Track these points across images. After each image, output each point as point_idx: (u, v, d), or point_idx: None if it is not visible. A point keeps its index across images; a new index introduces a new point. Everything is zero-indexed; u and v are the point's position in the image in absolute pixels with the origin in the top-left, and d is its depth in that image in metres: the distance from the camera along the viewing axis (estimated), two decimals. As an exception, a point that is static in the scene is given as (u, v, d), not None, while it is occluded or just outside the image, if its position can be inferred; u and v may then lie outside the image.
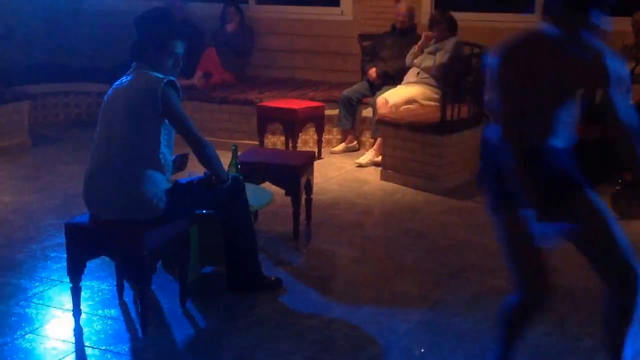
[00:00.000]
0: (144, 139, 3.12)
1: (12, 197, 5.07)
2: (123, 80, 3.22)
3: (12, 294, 3.53)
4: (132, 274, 3.24)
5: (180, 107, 3.18)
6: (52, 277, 3.72)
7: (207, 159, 3.27)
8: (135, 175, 3.09)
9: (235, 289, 3.55)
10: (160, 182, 3.14)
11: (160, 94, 3.08)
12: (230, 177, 3.42)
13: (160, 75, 3.14)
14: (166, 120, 3.15)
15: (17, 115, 6.29)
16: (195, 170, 3.60)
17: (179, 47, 3.24)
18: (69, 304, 3.29)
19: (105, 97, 3.24)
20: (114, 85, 3.25)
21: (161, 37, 3.19)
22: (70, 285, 3.21)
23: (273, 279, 3.66)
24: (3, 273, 3.78)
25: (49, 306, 3.41)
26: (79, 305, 3.24)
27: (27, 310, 3.36)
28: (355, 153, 6.33)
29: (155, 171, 3.13)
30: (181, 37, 3.26)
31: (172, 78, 3.17)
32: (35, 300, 3.47)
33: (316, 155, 5.87)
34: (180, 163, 3.51)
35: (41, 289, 3.59)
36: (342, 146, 6.44)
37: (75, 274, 3.19)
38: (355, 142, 6.46)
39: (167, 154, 3.21)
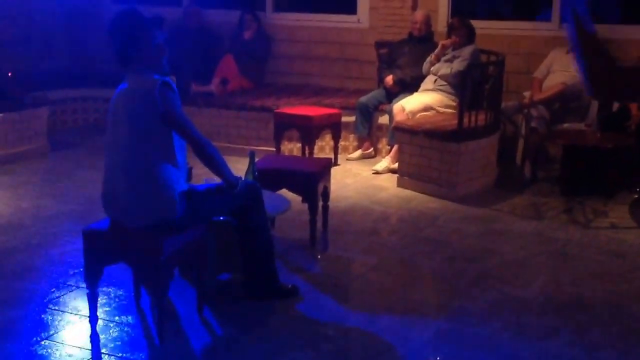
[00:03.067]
0: (149, 141, 3.08)
1: (30, 201, 5.10)
2: (121, 87, 3.19)
3: (29, 300, 3.53)
4: (150, 280, 3.23)
5: (179, 108, 3.13)
6: (69, 283, 3.73)
7: (208, 158, 3.20)
8: (145, 177, 3.08)
9: (251, 296, 3.54)
10: (174, 182, 3.12)
11: (158, 95, 3.03)
12: (241, 180, 3.41)
13: (156, 76, 3.10)
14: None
15: (36, 121, 6.34)
16: (212, 177, 3.59)
17: (156, 37, 3.15)
18: (85, 310, 3.30)
19: (110, 104, 3.24)
20: (116, 91, 3.23)
21: (133, 35, 3.11)
22: (87, 291, 3.21)
23: (290, 286, 3.64)
24: (20, 278, 3.79)
25: (65, 312, 3.42)
26: (96, 311, 3.24)
27: (43, 316, 3.37)
28: (371, 160, 6.31)
29: (167, 172, 3.10)
30: (152, 26, 3.14)
31: (166, 79, 3.10)
32: (51, 305, 3.47)
33: (333, 162, 5.85)
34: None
35: (58, 295, 3.59)
36: (358, 153, 6.43)
37: (93, 280, 3.19)
38: (372, 149, 6.44)
39: (179, 154, 3.17)
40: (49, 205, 5.01)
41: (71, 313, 3.41)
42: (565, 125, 5.67)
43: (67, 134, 7.14)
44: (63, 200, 5.12)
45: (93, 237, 3.20)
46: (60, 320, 3.34)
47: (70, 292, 3.62)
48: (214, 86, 6.87)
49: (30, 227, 4.57)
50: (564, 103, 5.67)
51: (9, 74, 6.35)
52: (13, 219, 4.73)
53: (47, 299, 3.55)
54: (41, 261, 4.02)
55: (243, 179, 3.57)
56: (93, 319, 3.23)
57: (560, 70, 5.90)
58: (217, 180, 3.41)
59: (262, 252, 3.49)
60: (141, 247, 3.12)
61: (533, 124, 5.65)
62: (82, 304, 3.42)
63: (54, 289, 3.66)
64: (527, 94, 6.01)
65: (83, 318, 3.32)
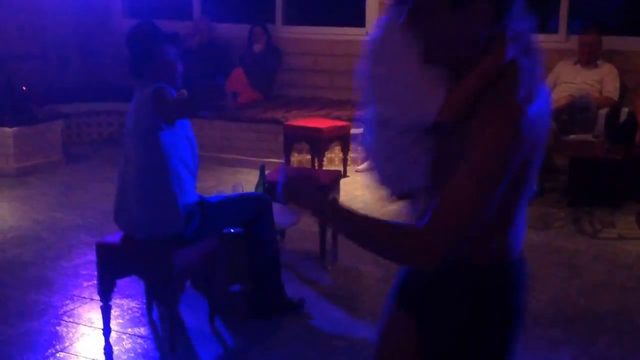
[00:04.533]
0: (149, 152, 3.10)
1: (45, 214, 5.18)
2: (132, 101, 3.24)
3: (43, 312, 3.60)
4: (161, 293, 3.28)
5: (171, 96, 3.09)
6: (83, 295, 3.79)
7: (192, 106, 3.10)
8: (152, 191, 3.12)
9: (257, 310, 3.53)
10: (181, 195, 3.14)
11: (153, 95, 3.04)
12: (258, 194, 3.46)
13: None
14: (170, 131, 3.10)
15: (50, 134, 6.44)
16: (222, 188, 3.64)
17: (170, 53, 3.18)
18: (99, 322, 3.35)
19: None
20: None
21: (146, 48, 3.14)
22: (101, 303, 3.27)
23: (295, 300, 3.65)
24: (34, 290, 3.85)
25: (79, 324, 3.47)
26: (109, 323, 3.30)
27: (57, 328, 3.43)
28: (380, 172, 6.34)
29: (173, 184, 3.11)
30: (166, 41, 3.18)
31: (163, 85, 3.09)
32: (65, 318, 3.54)
33: (342, 173, 5.90)
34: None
35: (72, 307, 3.65)
36: (366, 165, 6.46)
37: (106, 292, 3.25)
38: (381, 161, 6.48)
39: (188, 163, 3.19)
40: (64, 218, 5.08)
41: (85, 325, 3.46)
42: (573, 136, 5.70)
43: (81, 146, 7.23)
44: (78, 213, 5.20)
45: (106, 250, 3.26)
46: (75, 332, 3.40)
47: (84, 304, 3.68)
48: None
49: (45, 240, 4.64)
50: (571, 115, 5.70)
51: (24, 88, 6.46)
52: (28, 232, 4.81)
53: (62, 311, 3.61)
54: (56, 274, 4.08)
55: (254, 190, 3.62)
56: (106, 331, 3.29)
57: (567, 82, 5.93)
58: (227, 192, 3.46)
59: (269, 265, 3.51)
60: (152, 260, 3.18)
61: (540, 135, 5.68)
62: (95, 316, 3.48)
63: (69, 301, 3.72)
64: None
65: (97, 330, 3.38)
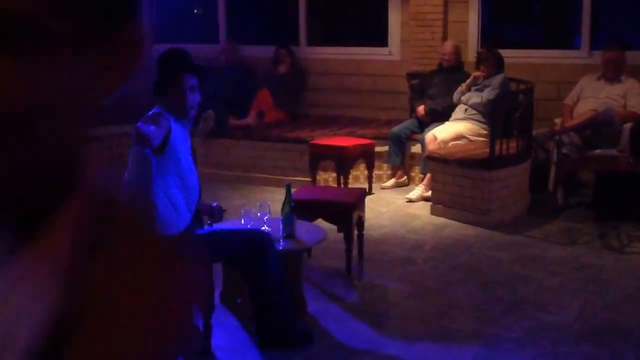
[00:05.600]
0: (135, 177, 3.12)
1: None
2: None
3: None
4: None
5: (152, 132, 3.08)
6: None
7: None
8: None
9: (265, 343, 3.44)
10: (164, 224, 3.08)
11: (143, 122, 3.09)
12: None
13: (157, 110, 3.17)
14: (158, 160, 3.11)
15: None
16: (250, 207, 3.69)
17: (187, 82, 3.22)
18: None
19: None
20: None
21: (167, 71, 3.21)
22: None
23: (304, 331, 3.53)
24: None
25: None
26: None
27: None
28: (405, 188, 6.40)
29: (158, 213, 3.08)
30: (189, 71, 3.23)
31: (158, 110, 3.14)
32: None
33: (367, 191, 5.96)
34: (212, 212, 3.52)
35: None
36: (392, 182, 6.53)
37: None
38: (405, 178, 6.54)
39: (176, 197, 3.17)
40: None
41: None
42: (598, 151, 5.70)
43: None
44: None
45: None
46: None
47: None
48: (250, 119, 7.06)
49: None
50: (595, 129, 5.71)
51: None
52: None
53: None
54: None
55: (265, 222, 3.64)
56: None
57: (591, 97, 5.94)
58: (236, 219, 3.43)
59: (272, 300, 3.37)
60: None
61: (565, 151, 5.70)
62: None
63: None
64: (558, 121, 6.07)
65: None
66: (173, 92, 3.21)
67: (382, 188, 6.48)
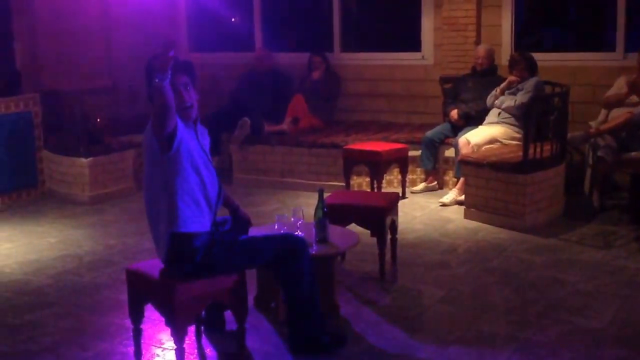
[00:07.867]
0: (160, 175, 3.16)
1: (117, 239, 5.43)
2: None
3: (116, 334, 3.77)
4: (168, 322, 3.25)
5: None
6: (153, 317, 3.95)
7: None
8: (160, 216, 3.19)
9: (296, 350, 3.47)
10: (186, 222, 3.15)
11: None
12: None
13: None
14: (173, 159, 3.13)
15: (122, 163, 6.78)
16: (284, 212, 3.73)
17: (181, 80, 3.22)
18: (169, 342, 3.50)
19: None
20: None
21: (148, 75, 3.17)
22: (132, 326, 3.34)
23: (336, 339, 3.52)
24: (107, 313, 4.05)
25: (150, 344, 3.62)
26: (140, 346, 3.40)
27: (129, 349, 3.54)
28: (438, 192, 6.41)
29: (180, 210, 3.14)
30: (176, 70, 3.13)
31: None
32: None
33: (400, 195, 5.99)
34: (237, 220, 3.59)
35: (143, 328, 3.81)
36: (422, 186, 6.55)
37: (134, 317, 3.38)
38: (435, 183, 6.56)
39: (198, 193, 3.19)
40: (135, 243, 5.31)
41: (156, 346, 3.61)
42: (633, 153, 5.64)
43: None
44: (148, 238, 5.36)
45: (133, 276, 3.40)
46: (146, 352, 3.53)
47: (154, 325, 3.83)
48: (286, 125, 7.14)
49: (118, 264, 4.86)
50: (631, 131, 5.65)
51: (98, 120, 6.83)
52: (103, 256, 5.06)
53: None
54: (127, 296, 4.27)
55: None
56: (137, 354, 3.39)
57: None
58: (269, 224, 3.46)
59: (306, 304, 3.41)
60: (157, 288, 3.25)
61: (600, 153, 5.65)
62: (165, 337, 3.64)
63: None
64: (593, 123, 6.02)
65: (167, 351, 3.54)
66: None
67: (412, 192, 6.50)
